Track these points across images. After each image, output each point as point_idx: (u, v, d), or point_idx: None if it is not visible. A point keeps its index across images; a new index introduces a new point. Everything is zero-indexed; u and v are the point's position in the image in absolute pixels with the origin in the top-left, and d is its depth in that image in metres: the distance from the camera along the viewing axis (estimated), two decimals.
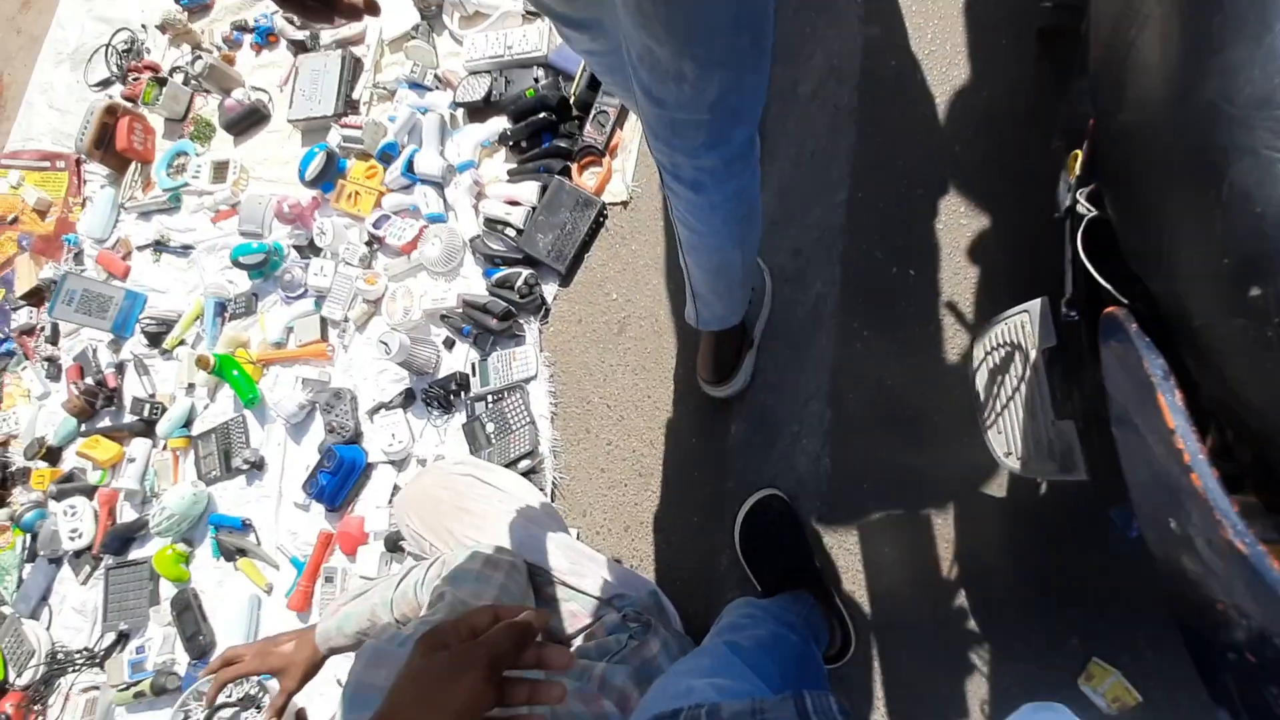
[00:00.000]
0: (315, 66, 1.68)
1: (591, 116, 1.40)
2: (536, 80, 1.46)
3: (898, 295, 1.13)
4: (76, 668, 1.59)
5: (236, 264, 1.61)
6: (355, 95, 1.67)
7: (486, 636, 0.44)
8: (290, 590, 1.46)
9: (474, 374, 1.40)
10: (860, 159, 1.20)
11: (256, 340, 1.65)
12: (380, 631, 0.88)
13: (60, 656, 1.63)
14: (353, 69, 1.67)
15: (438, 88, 1.59)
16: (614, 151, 1.40)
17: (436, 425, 1.43)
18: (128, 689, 1.52)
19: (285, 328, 1.60)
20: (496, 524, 0.99)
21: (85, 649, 1.63)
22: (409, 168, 1.53)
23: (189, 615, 1.53)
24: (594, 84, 1.41)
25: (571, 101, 1.41)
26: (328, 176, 1.61)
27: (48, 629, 1.70)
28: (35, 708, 1.60)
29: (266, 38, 1.82)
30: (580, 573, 0.96)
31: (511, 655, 0.44)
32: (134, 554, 1.64)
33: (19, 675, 1.64)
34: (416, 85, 1.59)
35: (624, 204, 1.38)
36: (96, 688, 1.55)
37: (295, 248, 1.62)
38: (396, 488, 1.42)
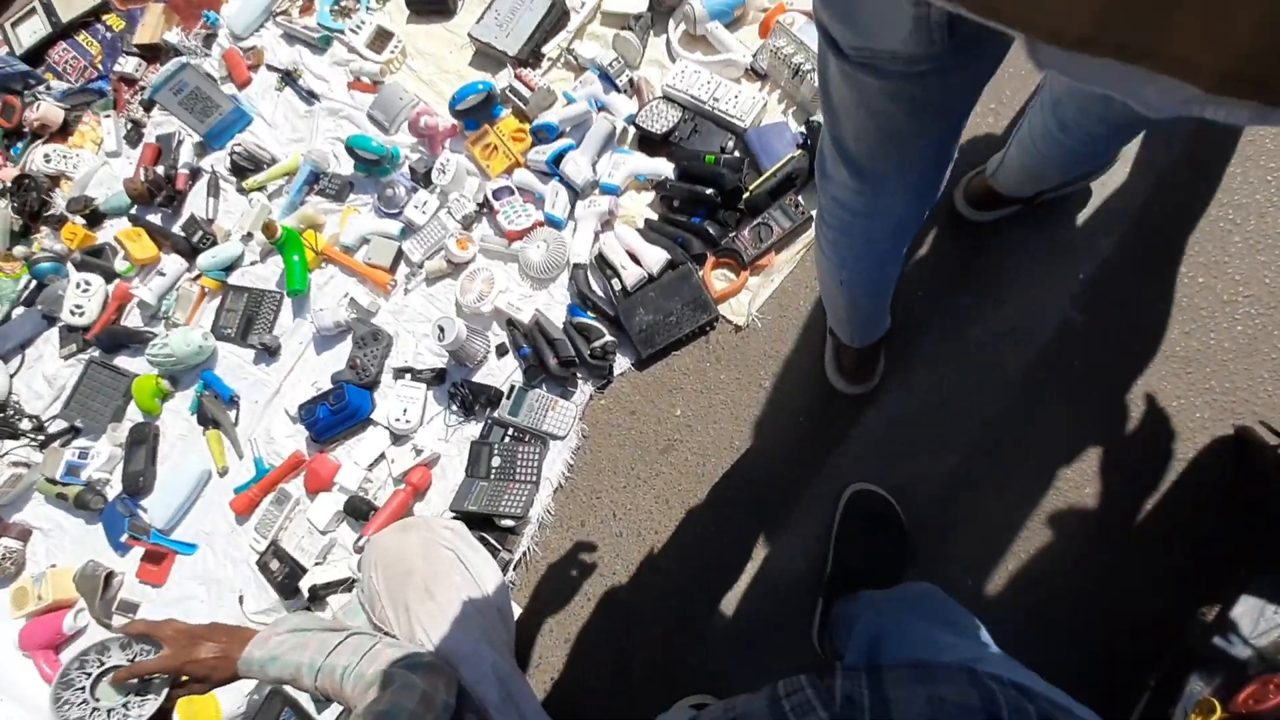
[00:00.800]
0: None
1: (755, 223, 1.29)
2: (723, 150, 1.33)
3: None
4: (20, 434, 1.57)
5: (349, 150, 1.51)
6: (544, 49, 1.54)
7: None
8: (240, 488, 1.43)
9: (508, 397, 1.33)
10: (988, 439, 1.10)
11: (330, 230, 1.57)
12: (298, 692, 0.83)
13: (11, 414, 1.61)
14: (556, 20, 1.54)
15: (626, 92, 1.46)
16: (757, 270, 1.29)
17: (449, 424, 1.37)
18: (54, 484, 1.51)
19: (362, 237, 1.51)
20: (454, 624, 0.93)
21: (36, 419, 1.61)
22: (556, 160, 1.42)
23: (141, 450, 1.51)
24: (777, 192, 1.28)
25: (745, 196, 1.29)
26: (477, 114, 1.50)
27: (11, 376, 1.68)
28: None
29: None
30: (504, 712, 0.91)
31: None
32: (120, 361, 1.61)
33: None
34: (606, 78, 1.46)
35: (737, 327, 1.28)
36: (28, 465, 1.54)
37: (410, 167, 1.52)
38: (384, 457, 1.38)
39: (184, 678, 0.85)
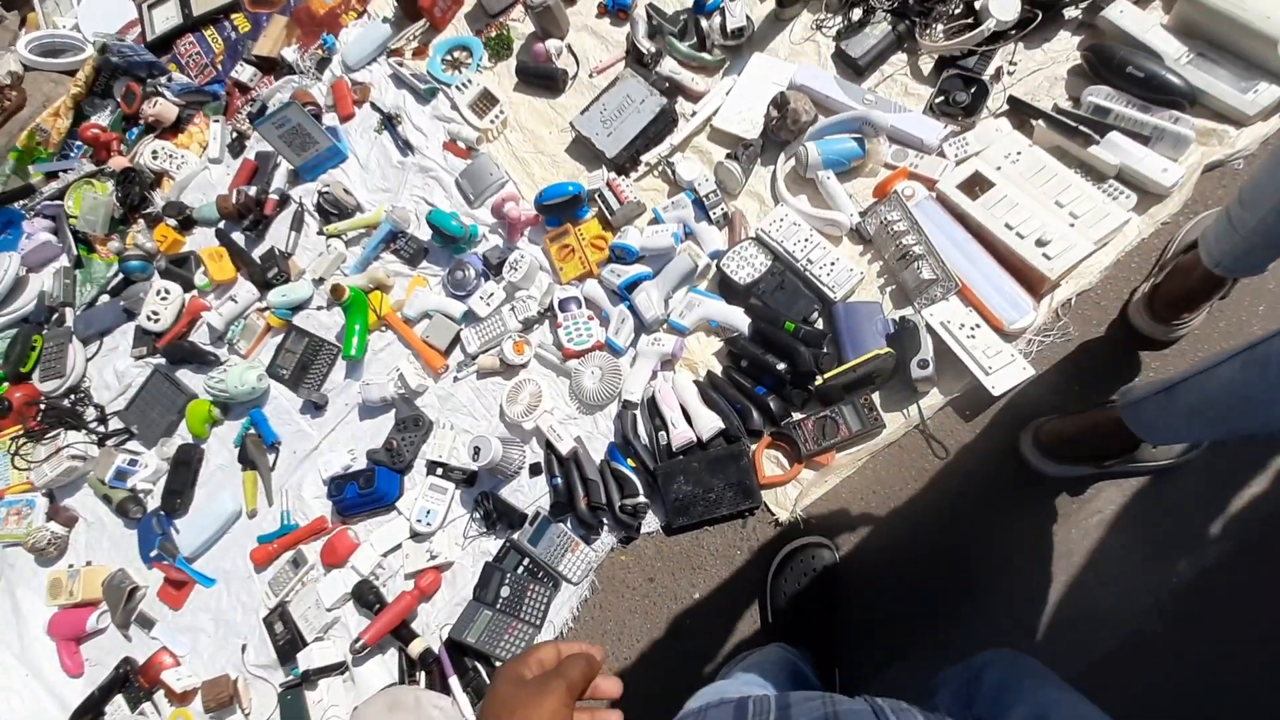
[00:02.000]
0: (634, 93, 1.46)
1: (822, 414, 1.19)
2: (805, 320, 1.24)
3: None
4: (83, 426, 1.65)
5: (429, 222, 1.49)
6: (644, 155, 1.46)
7: (561, 666, 0.49)
8: (264, 537, 1.46)
9: (531, 523, 1.30)
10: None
11: (396, 294, 1.56)
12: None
13: (80, 397, 1.70)
14: (662, 126, 1.45)
15: (717, 224, 1.37)
16: (813, 465, 1.20)
17: (468, 534, 1.35)
18: (103, 484, 1.58)
19: (425, 311, 1.50)
20: None
21: (101, 409, 1.69)
22: (629, 286, 1.35)
23: (184, 471, 1.56)
24: (852, 387, 1.19)
25: (816, 383, 1.19)
26: (561, 211, 1.44)
27: (88, 360, 1.76)
28: (36, 421, 1.68)
29: (618, 13, 1.59)
30: None
31: (581, 684, 0.48)
32: (182, 375, 1.66)
33: (43, 381, 1.72)
34: (700, 204, 1.37)
35: (777, 522, 1.20)
36: (84, 459, 1.61)
37: (484, 255, 1.48)
38: (400, 547, 1.37)
39: None
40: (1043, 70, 1.30)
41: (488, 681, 1.24)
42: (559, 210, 1.45)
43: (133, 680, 1.43)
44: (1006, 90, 1.30)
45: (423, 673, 1.27)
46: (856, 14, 1.42)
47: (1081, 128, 1.19)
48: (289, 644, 1.36)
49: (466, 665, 1.26)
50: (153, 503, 1.58)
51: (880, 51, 1.38)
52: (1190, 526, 1.03)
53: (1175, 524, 1.03)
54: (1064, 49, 1.30)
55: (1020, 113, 1.27)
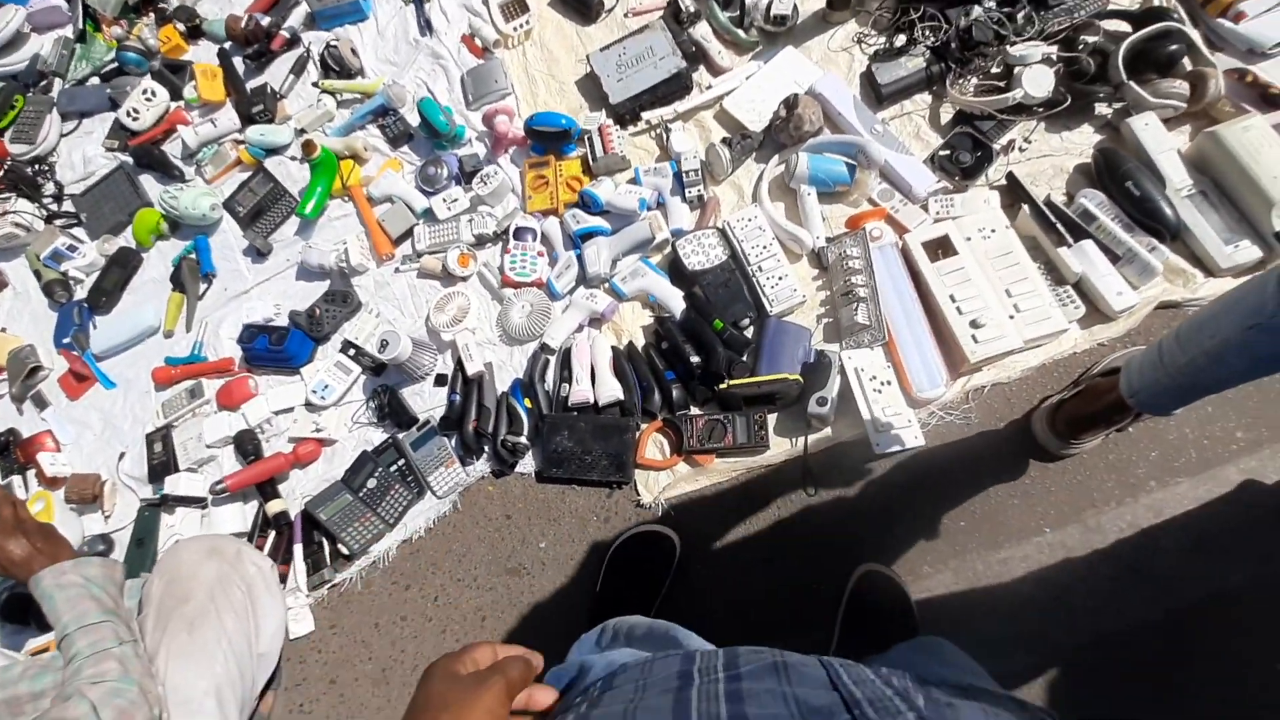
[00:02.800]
0: (658, 46, 1.42)
1: (715, 417, 1.20)
2: (735, 324, 1.24)
3: None
4: (38, 199, 1.65)
5: (419, 109, 1.46)
6: (646, 113, 1.43)
7: (499, 665, 0.46)
8: (171, 359, 1.48)
9: (419, 428, 1.32)
10: None
11: (368, 170, 1.54)
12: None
13: (45, 170, 1.69)
14: (673, 90, 1.42)
15: (691, 204, 1.36)
16: (691, 461, 1.22)
17: (358, 419, 1.37)
18: (38, 260, 1.59)
19: (390, 195, 1.48)
20: (194, 667, 0.97)
21: (60, 188, 1.69)
22: (583, 235, 1.35)
23: (117, 272, 1.57)
24: (752, 401, 1.19)
25: (721, 386, 1.19)
26: (548, 141, 1.42)
27: (61, 135, 1.75)
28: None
29: None
30: None
31: (519, 685, 0.46)
32: (144, 179, 1.65)
33: (13, 143, 1.71)
34: (680, 180, 1.35)
35: (638, 503, 1.22)
36: (27, 229, 1.62)
37: (460, 159, 1.46)
38: (291, 410, 1.39)
39: None
40: (1052, 158, 1.27)
41: (328, 561, 1.28)
42: (547, 139, 1.42)
43: (11, 451, 1.47)
44: (1010, 165, 1.27)
45: (273, 532, 1.31)
46: (900, 40, 1.37)
47: (1060, 226, 1.17)
48: (162, 466, 1.39)
49: (314, 538, 1.30)
50: (80, 293, 1.59)
51: (906, 86, 1.34)
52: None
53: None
54: (1081, 143, 1.27)
55: (1013, 192, 1.25)
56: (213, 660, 0.98)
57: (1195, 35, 1.20)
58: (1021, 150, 1.29)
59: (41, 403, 1.53)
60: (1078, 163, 1.26)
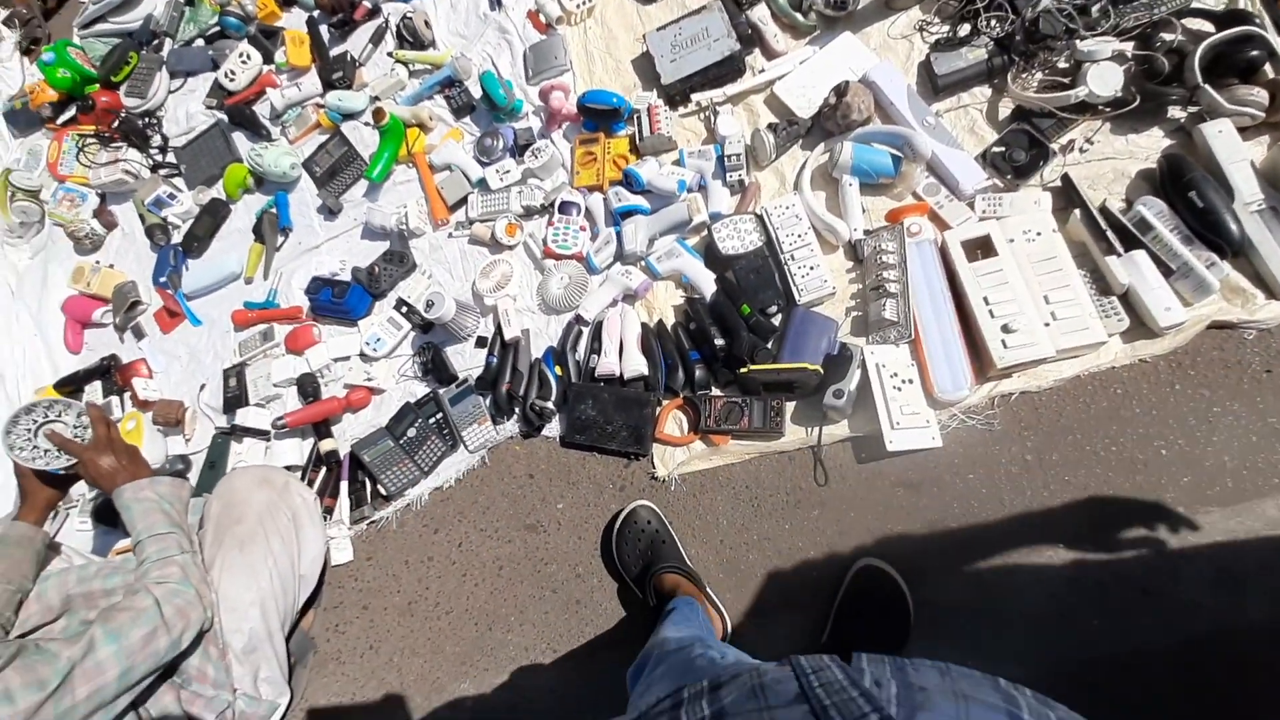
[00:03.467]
0: (713, 28, 1.42)
1: (734, 400, 1.23)
2: (763, 310, 1.25)
3: None
4: (145, 149, 1.83)
5: (482, 85, 1.53)
6: (696, 95, 1.44)
7: None
8: (249, 304, 1.63)
9: (457, 386, 1.41)
10: None
11: (432, 138, 1.63)
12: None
13: (154, 122, 1.86)
14: (725, 73, 1.42)
15: (731, 189, 1.37)
16: (707, 440, 1.26)
17: (404, 373, 1.48)
18: (142, 205, 1.77)
19: (449, 163, 1.57)
20: (243, 580, 1.10)
21: (165, 140, 1.86)
22: (623, 214, 1.39)
23: (209, 220, 1.73)
24: (771, 388, 1.21)
25: (742, 370, 1.22)
26: (600, 118, 1.46)
27: (170, 92, 1.92)
28: (110, 128, 1.86)
29: None
30: (242, 662, 1.08)
31: None
32: (237, 137, 1.79)
33: (127, 96, 1.88)
34: (723, 163, 1.37)
35: (653, 475, 1.27)
36: (135, 177, 1.79)
37: (515, 132, 1.53)
38: (348, 359, 1.51)
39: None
40: (1114, 162, 1.21)
41: (369, 500, 1.40)
42: (598, 116, 1.46)
43: (112, 374, 1.66)
44: (1067, 167, 1.22)
45: (324, 468, 1.44)
46: (964, 30, 1.33)
47: (1110, 234, 1.12)
48: (235, 399, 1.54)
49: (358, 478, 1.43)
50: (176, 238, 1.76)
51: (965, 78, 1.30)
52: None
53: None
54: (1148, 146, 1.20)
55: (1067, 195, 1.20)
56: (259, 576, 1.11)
57: (1278, 43, 1.11)
58: (1082, 151, 1.23)
59: (139, 334, 1.72)
60: (1141, 168, 1.20)
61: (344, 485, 1.42)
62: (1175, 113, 1.19)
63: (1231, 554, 1.02)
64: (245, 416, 1.49)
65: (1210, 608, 1.01)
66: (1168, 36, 1.16)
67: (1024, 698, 0.43)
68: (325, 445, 1.44)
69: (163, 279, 1.71)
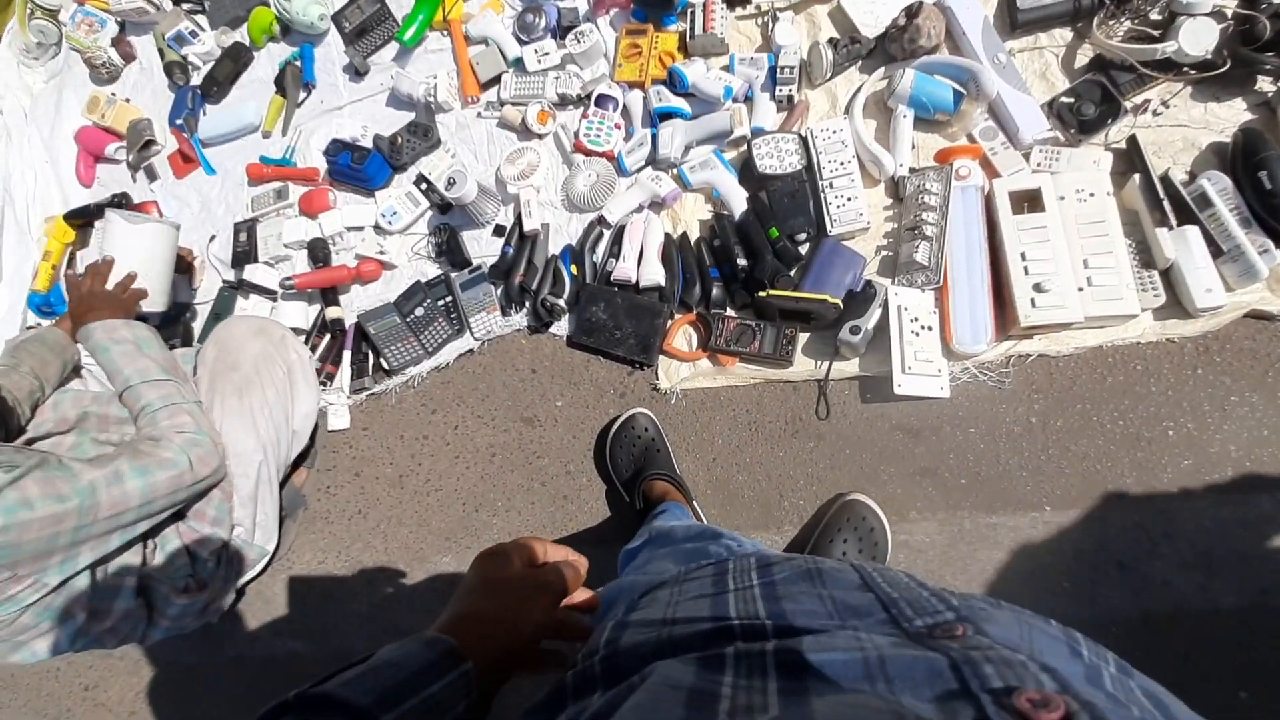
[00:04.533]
0: None
1: (748, 322, 1.21)
2: (791, 236, 1.22)
3: None
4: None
5: None
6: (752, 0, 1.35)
7: (552, 569, 0.48)
8: (265, 159, 1.58)
9: (470, 272, 1.39)
10: None
11: (470, 7, 1.53)
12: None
13: None
14: None
15: (780, 103, 1.30)
16: (714, 358, 1.24)
17: (417, 251, 1.45)
18: (163, 39, 1.69)
19: (485, 36, 1.48)
20: (245, 425, 1.11)
21: None
22: (661, 115, 1.32)
23: (229, 65, 1.65)
24: (787, 315, 1.19)
25: (764, 293, 1.19)
26: (652, 6, 1.37)
27: None
28: None
29: None
30: (245, 505, 1.10)
31: (566, 593, 0.48)
32: None
33: None
34: (774, 75, 1.29)
35: (655, 387, 1.27)
36: (156, 8, 1.70)
37: (560, 11, 1.43)
38: (362, 229, 1.48)
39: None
40: (1186, 130, 1.14)
41: (370, 372, 1.40)
42: (650, 5, 1.37)
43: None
44: (1136, 128, 1.15)
45: (328, 335, 1.44)
46: None
47: (1167, 205, 1.07)
48: (244, 254, 1.52)
49: (361, 349, 1.42)
50: (195, 79, 1.69)
51: (1048, 16, 1.21)
52: None
53: None
54: (1226, 119, 1.13)
55: (1130, 158, 1.14)
56: (258, 423, 1.13)
57: None
58: (1155, 114, 1.16)
59: (152, 175, 1.67)
60: (1214, 140, 1.13)
61: (346, 354, 1.42)
62: (1265, 85, 1.12)
63: (1214, 540, 1.03)
64: (254, 273, 1.47)
65: (1179, 587, 1.03)
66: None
67: (1080, 636, 0.41)
68: (331, 312, 1.43)
69: (179, 121, 1.65)
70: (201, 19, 1.72)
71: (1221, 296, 1.05)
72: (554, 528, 1.27)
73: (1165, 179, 1.10)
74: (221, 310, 1.50)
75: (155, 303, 1.29)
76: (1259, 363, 1.06)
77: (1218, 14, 1.10)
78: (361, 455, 1.39)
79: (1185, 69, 1.13)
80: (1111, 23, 1.18)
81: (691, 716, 0.28)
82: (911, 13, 1.21)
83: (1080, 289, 1.08)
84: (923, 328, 1.13)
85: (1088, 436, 1.09)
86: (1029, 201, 1.14)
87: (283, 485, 1.27)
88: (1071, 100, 1.17)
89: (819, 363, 1.20)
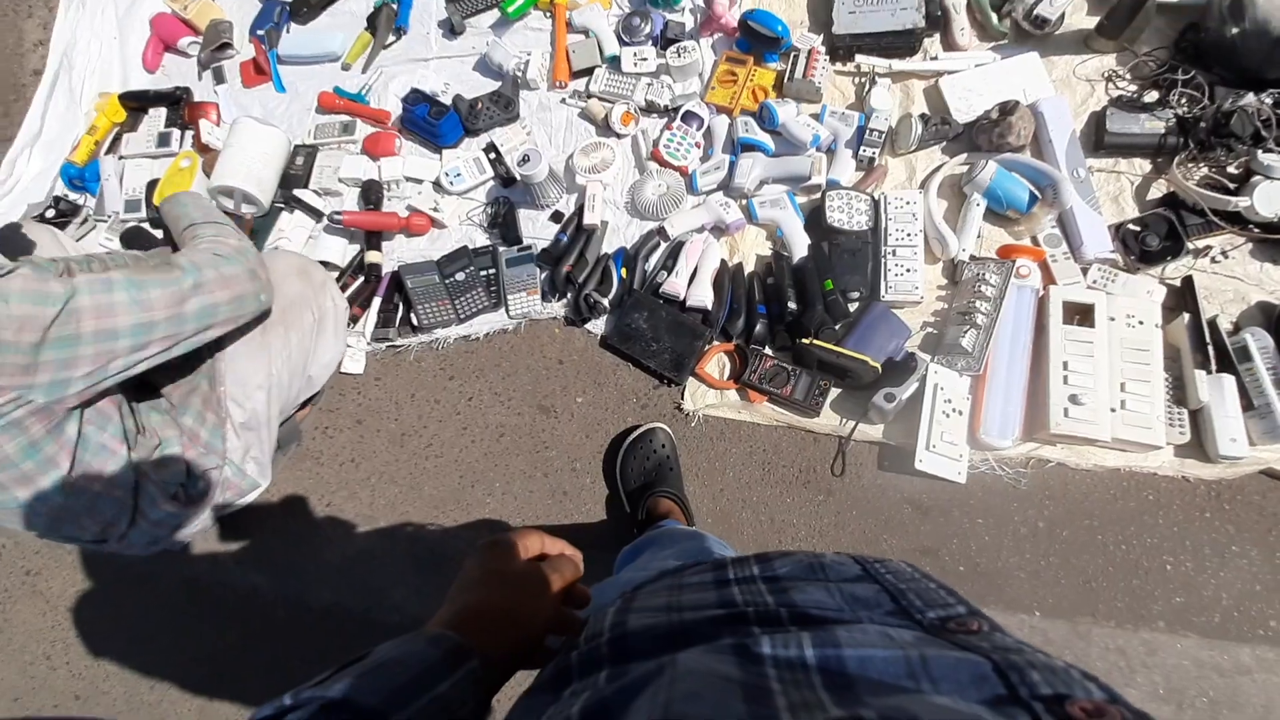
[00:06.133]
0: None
1: (784, 365, 1.22)
2: (844, 292, 1.23)
3: None
4: None
5: None
6: (860, 56, 1.37)
7: (556, 563, 0.47)
8: (339, 90, 1.56)
9: (519, 251, 1.38)
10: None
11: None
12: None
13: None
14: (900, 45, 1.35)
15: (861, 162, 1.32)
16: (743, 392, 1.25)
17: (472, 217, 1.44)
18: None
19: (588, 28, 1.49)
20: (256, 358, 1.09)
21: None
22: (745, 146, 1.34)
23: None
24: (825, 367, 1.20)
25: (808, 340, 1.20)
26: (756, 41, 1.39)
27: None
28: None
29: None
30: (238, 434, 1.08)
31: (568, 586, 0.47)
32: None
33: None
34: (861, 135, 1.31)
35: (679, 406, 1.27)
36: None
37: (667, 22, 1.45)
38: (421, 182, 1.47)
39: None
40: (1240, 284, 1.18)
41: (396, 324, 1.38)
42: (756, 39, 1.39)
43: (181, 106, 1.60)
44: (1194, 270, 1.19)
45: (362, 278, 1.42)
46: (1152, 96, 1.27)
47: (1211, 350, 1.10)
48: (295, 178, 1.49)
49: (393, 299, 1.41)
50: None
51: (1132, 145, 1.25)
52: None
53: None
54: (1279, 281, 1.17)
55: (1182, 298, 1.17)
56: (273, 361, 1.10)
57: None
58: (1215, 261, 1.20)
59: (219, 77, 1.65)
60: (1263, 299, 1.17)
61: (377, 300, 1.40)
62: None
63: (1190, 679, 1.05)
64: (304, 195, 1.45)
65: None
66: None
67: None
68: (371, 256, 1.41)
69: (261, 32, 1.63)
70: None
71: (1244, 449, 1.08)
72: (547, 520, 1.25)
73: (1212, 324, 1.14)
74: (260, 228, 1.48)
75: (261, 202, 1.40)
76: (1264, 519, 1.09)
77: None
78: (368, 404, 1.37)
79: (1252, 226, 1.17)
80: (1190, 165, 1.22)
81: (754, 712, 0.28)
82: (1006, 109, 1.25)
83: (1113, 409, 1.10)
84: (954, 410, 1.15)
85: (1090, 553, 1.11)
86: (1081, 314, 1.16)
87: (284, 421, 1.24)
88: (1138, 229, 1.21)
89: (844, 420, 1.21)
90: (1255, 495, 1.10)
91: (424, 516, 1.28)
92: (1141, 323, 1.14)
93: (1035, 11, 1.31)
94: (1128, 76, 1.30)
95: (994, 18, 1.35)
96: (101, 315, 0.83)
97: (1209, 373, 1.10)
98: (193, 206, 1.08)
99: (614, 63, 1.46)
